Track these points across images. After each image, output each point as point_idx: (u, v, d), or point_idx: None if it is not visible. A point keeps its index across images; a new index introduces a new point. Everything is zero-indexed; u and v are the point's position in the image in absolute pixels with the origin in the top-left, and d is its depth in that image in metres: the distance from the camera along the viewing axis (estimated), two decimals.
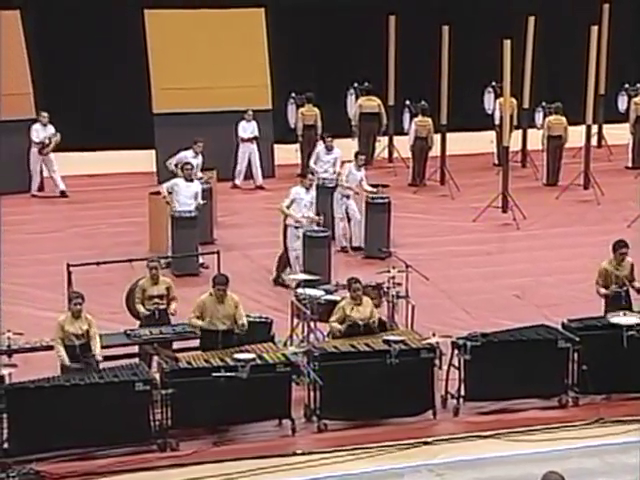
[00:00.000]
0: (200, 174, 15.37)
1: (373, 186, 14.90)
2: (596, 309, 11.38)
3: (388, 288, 11.57)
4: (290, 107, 18.96)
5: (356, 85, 19.25)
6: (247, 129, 17.83)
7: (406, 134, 18.45)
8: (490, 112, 19.27)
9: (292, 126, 18.79)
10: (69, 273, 11.03)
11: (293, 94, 18.89)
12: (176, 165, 15.23)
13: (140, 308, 10.91)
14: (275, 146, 18.61)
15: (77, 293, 10.20)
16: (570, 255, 14.63)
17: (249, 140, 17.84)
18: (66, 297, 10.94)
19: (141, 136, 18.33)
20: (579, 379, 10.52)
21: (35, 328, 11.04)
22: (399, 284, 11.66)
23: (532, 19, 18.88)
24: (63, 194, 17.28)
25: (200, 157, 15.63)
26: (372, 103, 18.87)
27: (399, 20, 19.32)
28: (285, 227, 13.46)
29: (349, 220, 14.90)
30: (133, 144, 18.83)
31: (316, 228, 13.87)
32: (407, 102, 18.69)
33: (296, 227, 13.36)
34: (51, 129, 17.21)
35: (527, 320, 11.41)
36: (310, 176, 13.99)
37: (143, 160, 18.29)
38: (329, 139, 16.05)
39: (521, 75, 18.65)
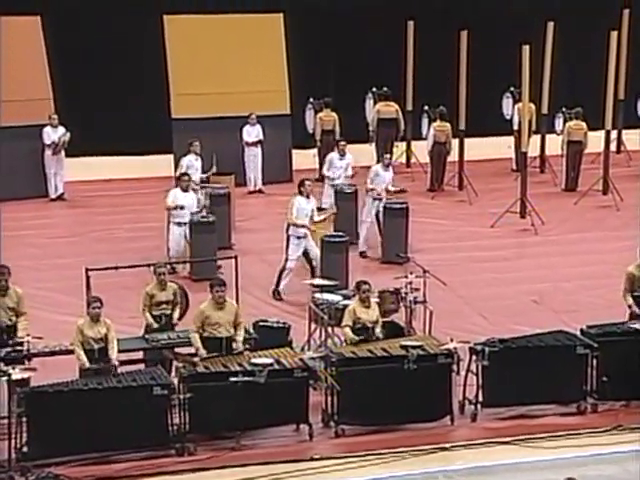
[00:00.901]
0: (202, 175, 15.43)
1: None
2: (615, 315, 11.33)
3: (406, 293, 11.57)
4: (308, 112, 18.99)
5: (374, 90, 19.25)
6: (252, 133, 17.82)
7: (424, 139, 18.45)
8: (508, 117, 19.24)
9: (310, 131, 18.81)
10: (88, 277, 11.07)
11: (311, 99, 18.91)
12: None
13: (147, 316, 10.83)
14: (293, 151, 18.64)
15: (95, 297, 10.25)
16: (589, 261, 14.58)
17: (254, 144, 17.83)
18: (85, 301, 10.99)
19: (159, 141, 18.40)
20: (598, 385, 10.48)
21: (54, 332, 11.08)
22: (417, 289, 11.65)
23: (551, 24, 18.85)
24: (60, 197, 17.25)
25: (200, 158, 15.60)
26: (390, 109, 18.87)
27: (417, 25, 19.32)
28: (288, 237, 13.34)
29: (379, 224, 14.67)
30: (151, 149, 18.91)
31: (334, 233, 13.89)
32: (425, 107, 18.68)
33: (298, 237, 13.24)
34: (61, 130, 17.25)
35: (545, 326, 11.38)
36: (308, 183, 13.53)
37: (161, 165, 18.34)
38: (342, 144, 16.04)
39: (540, 80, 18.62)
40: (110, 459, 9.45)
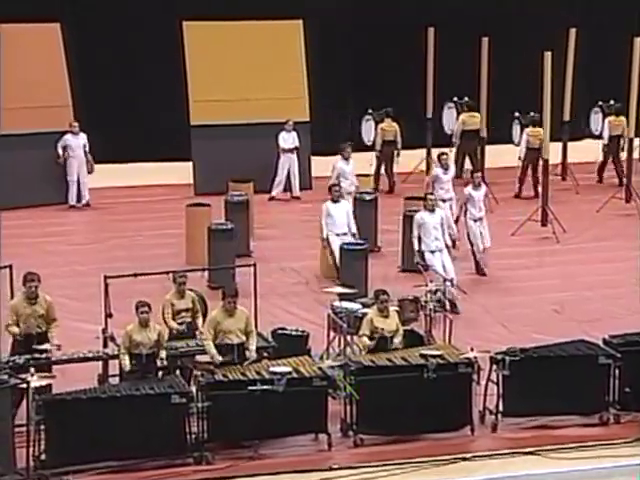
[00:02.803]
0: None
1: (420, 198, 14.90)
2: (638, 325, 11.26)
3: (426, 302, 11.54)
4: (366, 123, 18.86)
5: (455, 99, 18.93)
6: (287, 139, 17.88)
7: (516, 145, 18.24)
8: (597, 132, 19.07)
9: (368, 142, 18.62)
10: (106, 285, 11.11)
11: (370, 110, 18.72)
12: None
13: (172, 324, 10.89)
14: (312, 158, 18.65)
15: (144, 302, 10.27)
16: (611, 270, 14.50)
17: (290, 150, 17.89)
18: (102, 309, 11.04)
19: (178, 148, 18.45)
20: (620, 396, 10.42)
21: (72, 340, 11.12)
22: (438, 298, 11.63)
23: (573, 31, 18.79)
24: (86, 205, 17.32)
25: (351, 162, 15.87)
26: (475, 119, 18.49)
27: (438, 32, 19.29)
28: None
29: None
30: (170, 156, 18.95)
31: (353, 240, 13.89)
32: (516, 114, 18.48)
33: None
34: (83, 137, 17.28)
35: (567, 335, 11.31)
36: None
37: (180, 172, 18.39)
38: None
39: (562, 87, 18.55)
40: (128, 468, 9.45)
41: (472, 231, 14.29)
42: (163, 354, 10.20)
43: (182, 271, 11.43)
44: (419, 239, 13.04)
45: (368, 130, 18.88)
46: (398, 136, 18.23)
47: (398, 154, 18.06)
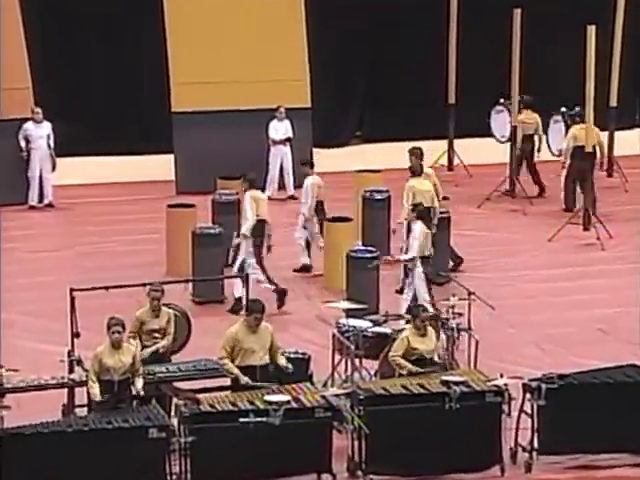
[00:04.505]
0: None
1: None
2: None
3: (447, 319, 11.57)
4: (497, 115, 18.59)
5: (564, 110, 18.17)
6: (279, 129, 17.90)
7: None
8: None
9: (501, 139, 18.32)
10: (72, 299, 11.14)
11: (502, 99, 18.39)
12: None
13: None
14: (314, 150, 18.68)
15: (116, 319, 10.30)
16: None
17: (281, 142, 17.92)
18: (69, 327, 11.06)
19: (157, 139, 18.51)
20: None
21: (31, 364, 11.16)
22: (460, 314, 11.65)
23: (622, 2, 18.82)
24: (48, 205, 17.40)
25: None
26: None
27: (460, 3, 19.32)
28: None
29: None
30: (148, 148, 19.00)
31: (362, 248, 13.92)
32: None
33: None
34: (47, 126, 17.30)
35: (614, 359, 11.35)
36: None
37: (160, 167, 18.44)
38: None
39: (608, 69, 18.55)
40: None
41: None
42: (139, 382, 10.22)
43: (162, 283, 11.45)
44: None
45: (501, 123, 18.52)
46: (540, 129, 17.89)
47: (539, 150, 17.66)
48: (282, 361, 10.54)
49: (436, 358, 10.78)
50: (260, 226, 13.66)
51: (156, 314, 10.99)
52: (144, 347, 10.92)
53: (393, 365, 10.73)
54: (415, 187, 14.14)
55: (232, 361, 10.42)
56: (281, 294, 13.61)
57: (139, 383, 10.22)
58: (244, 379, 10.31)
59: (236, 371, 10.36)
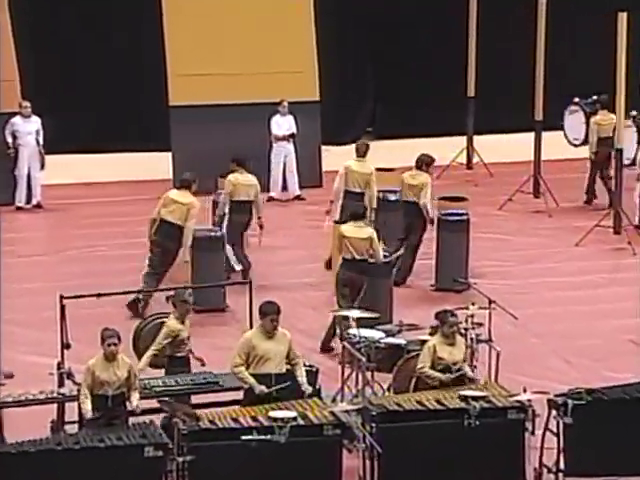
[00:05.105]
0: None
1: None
2: None
3: (466, 329, 11.53)
4: (571, 116, 18.55)
5: (577, 100, 18.24)
6: (282, 125, 17.89)
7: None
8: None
9: (575, 142, 18.29)
10: (62, 307, 11.12)
11: (576, 98, 18.33)
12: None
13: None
14: (323, 147, 18.68)
15: (111, 331, 10.22)
16: None
17: (284, 138, 17.91)
18: (58, 337, 11.03)
19: (154, 134, 18.52)
20: None
21: (18, 377, 11.14)
22: (480, 324, 11.62)
23: None
24: (37, 206, 17.44)
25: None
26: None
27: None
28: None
29: None
30: (144, 145, 19.02)
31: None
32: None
33: None
34: (35, 121, 17.30)
35: None
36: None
37: (156, 165, 18.45)
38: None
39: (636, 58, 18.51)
40: None
41: None
42: (136, 397, 10.13)
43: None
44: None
45: (576, 125, 18.47)
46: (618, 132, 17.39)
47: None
48: (302, 378, 10.47)
49: (467, 370, 10.71)
50: (237, 207, 14.44)
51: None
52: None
53: (422, 378, 10.69)
54: (350, 167, 14.83)
55: (247, 368, 10.38)
56: (246, 273, 14.18)
57: (135, 398, 10.17)
58: (259, 388, 10.27)
59: (252, 380, 10.32)
